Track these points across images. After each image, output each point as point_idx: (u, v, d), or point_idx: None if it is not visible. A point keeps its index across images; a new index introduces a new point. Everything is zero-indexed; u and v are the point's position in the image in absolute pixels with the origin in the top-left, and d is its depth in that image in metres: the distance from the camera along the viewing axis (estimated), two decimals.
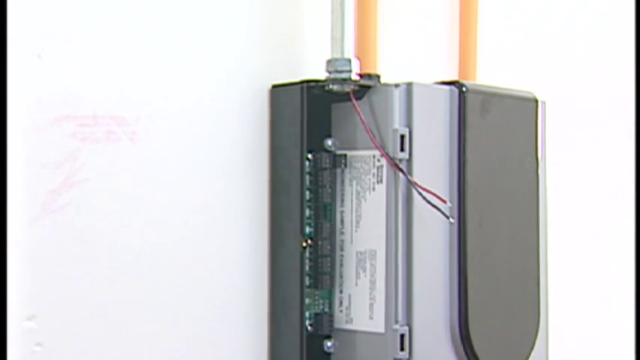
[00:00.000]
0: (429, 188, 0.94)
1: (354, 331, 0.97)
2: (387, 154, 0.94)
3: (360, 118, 0.95)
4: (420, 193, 0.94)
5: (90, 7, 0.87)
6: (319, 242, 0.97)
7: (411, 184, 0.94)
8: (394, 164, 0.94)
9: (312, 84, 0.96)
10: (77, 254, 0.86)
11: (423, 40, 1.15)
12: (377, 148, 0.94)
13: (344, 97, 0.96)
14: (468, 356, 0.95)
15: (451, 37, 1.16)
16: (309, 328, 0.97)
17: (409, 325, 0.95)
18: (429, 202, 0.94)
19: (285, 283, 0.97)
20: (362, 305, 0.96)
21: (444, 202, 0.95)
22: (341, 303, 0.98)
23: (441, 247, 0.98)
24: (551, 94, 1.13)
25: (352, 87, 0.95)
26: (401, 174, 0.94)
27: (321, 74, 0.97)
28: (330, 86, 0.96)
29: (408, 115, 0.96)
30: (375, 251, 0.96)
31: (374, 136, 0.95)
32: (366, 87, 0.96)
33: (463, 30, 1.16)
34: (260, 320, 0.99)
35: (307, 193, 0.97)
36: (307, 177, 0.97)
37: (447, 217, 0.95)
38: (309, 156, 0.97)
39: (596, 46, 1.40)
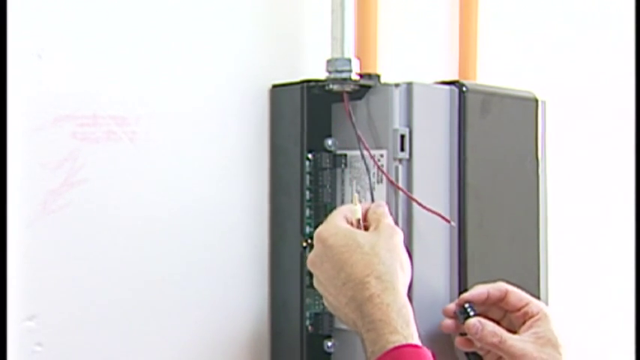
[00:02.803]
0: (418, 198, 0.95)
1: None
2: (376, 162, 0.94)
3: (354, 127, 0.95)
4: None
5: (90, 7, 0.87)
6: None
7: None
8: (396, 185, 0.94)
9: (312, 84, 0.96)
10: (77, 254, 0.86)
11: (423, 40, 1.15)
12: (372, 159, 0.95)
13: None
14: (468, 355, 0.95)
15: (451, 37, 1.16)
16: (309, 328, 0.97)
17: None
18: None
19: (285, 283, 0.97)
20: None
21: (435, 213, 0.95)
22: None
23: (441, 247, 0.98)
24: (551, 94, 1.13)
25: (352, 87, 0.95)
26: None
27: (321, 74, 0.97)
28: (330, 86, 0.95)
29: (408, 114, 0.96)
30: None
31: (362, 143, 0.94)
32: (366, 87, 0.96)
33: (463, 30, 1.16)
34: (260, 320, 0.99)
35: (307, 192, 0.97)
36: (307, 177, 0.97)
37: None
38: (310, 156, 0.97)
39: (596, 46, 1.40)
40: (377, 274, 0.84)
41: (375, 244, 0.86)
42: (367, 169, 0.94)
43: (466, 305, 0.93)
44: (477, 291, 0.94)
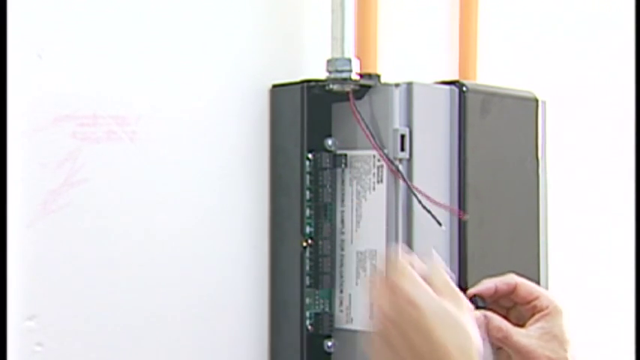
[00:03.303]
0: (427, 193, 0.94)
1: (355, 331, 0.97)
2: (387, 158, 0.94)
3: (359, 122, 0.95)
4: (417, 198, 0.94)
5: (90, 7, 0.87)
6: (319, 242, 0.97)
7: (409, 188, 0.94)
8: (393, 169, 0.94)
9: (312, 84, 0.96)
10: (77, 254, 0.86)
11: (423, 40, 1.15)
12: (377, 152, 0.94)
13: (344, 96, 0.96)
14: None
15: (451, 37, 1.16)
16: (309, 327, 0.97)
17: None
18: (424, 206, 0.94)
19: (286, 283, 0.97)
20: (362, 305, 0.96)
21: (444, 206, 0.95)
22: (341, 303, 0.98)
23: (442, 247, 0.98)
24: (551, 94, 1.13)
25: (352, 87, 0.95)
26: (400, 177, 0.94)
27: (321, 74, 0.97)
28: (331, 86, 0.95)
29: (408, 114, 0.96)
30: (376, 251, 0.96)
31: (374, 139, 0.95)
32: (366, 87, 0.96)
33: (463, 30, 1.16)
34: (260, 320, 0.99)
35: (307, 192, 0.97)
36: (307, 177, 0.97)
37: (439, 224, 0.95)
38: (310, 156, 0.97)
39: (596, 46, 1.40)
40: (463, 348, 0.83)
41: (459, 316, 0.82)
42: (391, 169, 0.94)
43: (473, 299, 0.92)
44: (485, 286, 0.93)
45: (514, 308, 0.95)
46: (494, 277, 0.95)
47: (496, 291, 0.93)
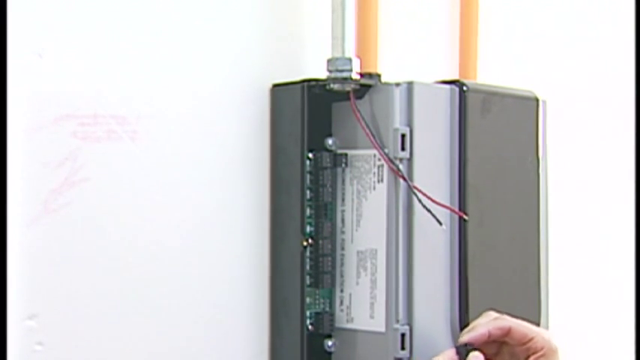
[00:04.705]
0: (427, 193, 0.94)
1: (355, 330, 0.97)
2: (388, 157, 0.94)
3: (359, 120, 0.95)
4: (418, 197, 0.94)
5: (90, 6, 0.87)
6: (320, 241, 0.97)
7: (409, 187, 0.94)
8: (394, 168, 0.94)
9: (312, 83, 0.96)
10: (78, 253, 0.86)
11: (424, 39, 1.15)
12: (377, 151, 0.94)
13: (345, 96, 0.96)
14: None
15: (451, 37, 1.17)
16: (309, 327, 0.97)
17: (410, 324, 0.95)
18: (424, 205, 0.94)
19: (286, 283, 0.97)
20: (363, 304, 0.96)
21: (445, 206, 0.95)
22: (342, 302, 0.98)
23: (442, 247, 0.98)
24: (551, 93, 1.13)
25: (353, 86, 0.95)
26: (400, 177, 0.94)
27: (321, 73, 0.97)
28: (331, 85, 0.96)
29: (408, 114, 0.96)
30: (376, 250, 0.96)
31: (374, 138, 0.95)
32: (366, 86, 0.96)
33: (463, 29, 1.16)
34: (260, 320, 0.99)
35: (308, 192, 0.97)
36: (308, 176, 0.97)
37: (440, 223, 0.95)
38: (310, 155, 0.97)
39: (597, 45, 1.40)
40: None
41: None
42: (392, 169, 0.94)
43: (467, 347, 0.91)
44: (478, 332, 0.92)
45: (507, 344, 0.94)
46: (487, 320, 0.93)
47: (489, 336, 0.92)
